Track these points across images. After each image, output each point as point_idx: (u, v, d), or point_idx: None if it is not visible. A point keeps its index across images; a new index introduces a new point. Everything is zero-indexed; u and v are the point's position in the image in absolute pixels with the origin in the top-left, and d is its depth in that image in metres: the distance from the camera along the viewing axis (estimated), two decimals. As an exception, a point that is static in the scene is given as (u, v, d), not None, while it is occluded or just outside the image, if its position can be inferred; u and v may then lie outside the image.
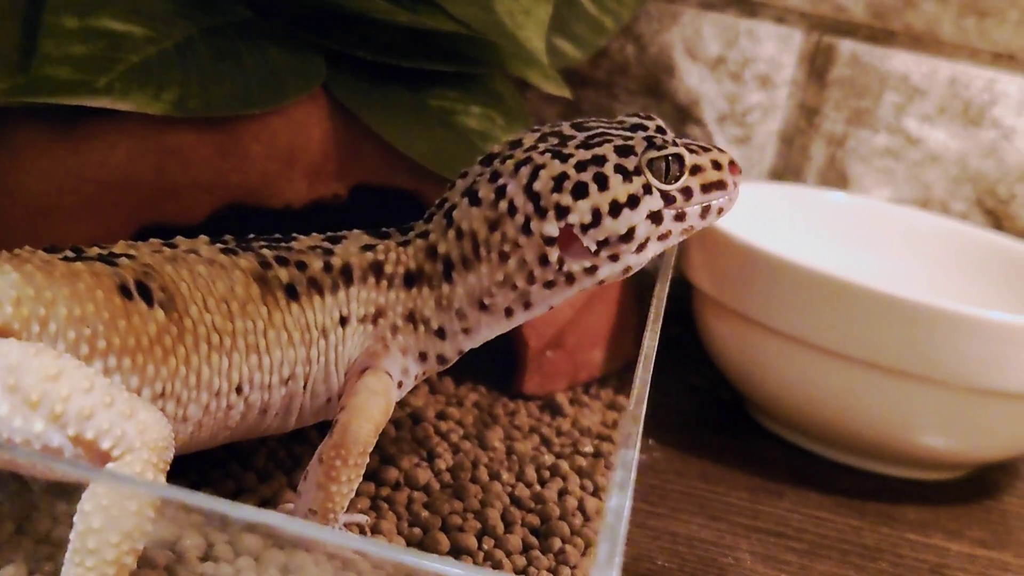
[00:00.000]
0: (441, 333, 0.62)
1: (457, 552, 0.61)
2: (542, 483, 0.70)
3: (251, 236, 0.63)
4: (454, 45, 0.84)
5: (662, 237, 0.60)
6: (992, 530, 0.81)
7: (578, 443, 0.76)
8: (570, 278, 0.60)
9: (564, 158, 0.59)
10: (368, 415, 0.58)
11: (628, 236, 0.59)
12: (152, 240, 0.60)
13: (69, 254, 0.55)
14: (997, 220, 1.05)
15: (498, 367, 0.83)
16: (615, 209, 0.58)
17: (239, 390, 0.57)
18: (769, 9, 1.04)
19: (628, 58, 1.07)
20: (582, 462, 0.73)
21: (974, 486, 0.87)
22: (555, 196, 0.58)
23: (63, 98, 0.66)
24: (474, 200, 0.61)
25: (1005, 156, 1.03)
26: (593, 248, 0.59)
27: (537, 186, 0.59)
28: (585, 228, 0.58)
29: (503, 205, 0.59)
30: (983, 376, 0.79)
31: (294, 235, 0.64)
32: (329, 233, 0.64)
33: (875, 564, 0.73)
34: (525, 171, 0.59)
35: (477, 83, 0.84)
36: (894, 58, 1.03)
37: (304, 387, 0.60)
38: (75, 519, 0.45)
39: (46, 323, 0.50)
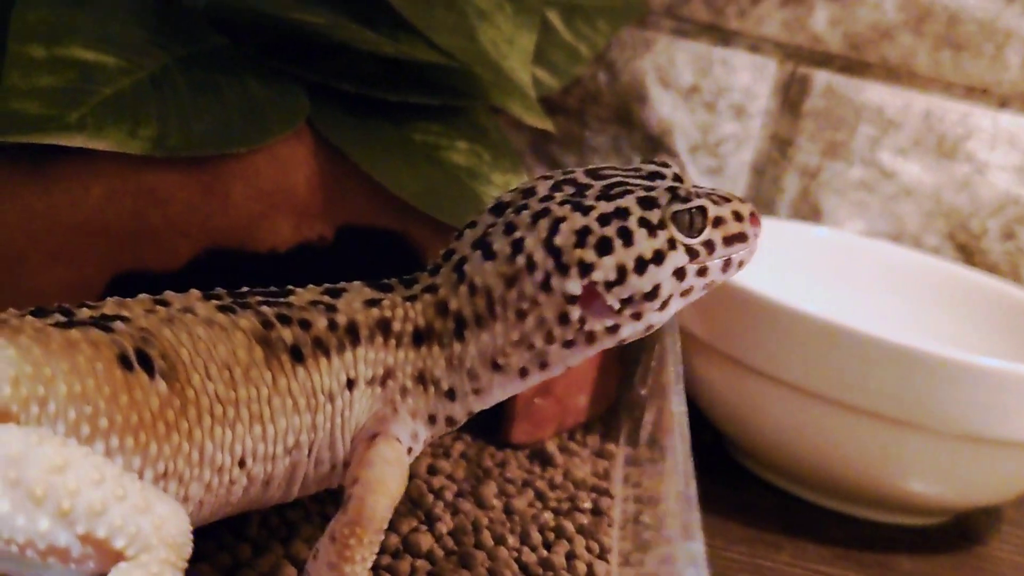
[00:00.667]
0: (451, 394, 0.58)
1: (472, 629, 0.57)
2: (547, 546, 0.66)
3: (245, 289, 0.58)
4: (435, 76, 0.80)
5: (684, 293, 0.57)
6: (991, 582, 0.79)
7: (575, 498, 0.72)
8: (591, 337, 0.56)
9: (585, 210, 0.55)
10: (385, 489, 0.53)
11: (653, 294, 0.55)
12: (141, 297, 0.55)
13: (60, 319, 0.50)
14: (969, 255, 1.04)
15: (480, 414, 0.79)
16: (641, 266, 0.55)
17: (242, 464, 0.52)
18: (743, 38, 1.02)
19: (600, 86, 1.03)
20: (583, 520, 0.69)
21: (961, 531, 0.86)
22: (578, 252, 0.54)
23: (33, 136, 0.61)
24: (488, 254, 0.56)
25: (978, 190, 1.03)
26: (617, 307, 0.55)
27: (558, 240, 0.55)
28: (610, 286, 0.54)
29: (521, 260, 0.55)
30: (975, 423, 0.77)
31: (290, 287, 0.59)
32: (327, 285, 0.59)
33: (883, 621, 0.71)
34: (544, 224, 0.55)
35: (461, 117, 0.80)
36: (869, 90, 1.02)
37: (308, 455, 0.55)
38: None
39: (45, 403, 0.45)
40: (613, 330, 0.56)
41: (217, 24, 0.75)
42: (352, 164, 0.71)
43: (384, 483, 0.53)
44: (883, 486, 0.81)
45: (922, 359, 0.75)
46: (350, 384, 0.56)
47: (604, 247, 0.54)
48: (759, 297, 0.80)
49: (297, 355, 0.54)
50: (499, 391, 0.59)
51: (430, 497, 0.68)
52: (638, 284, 0.55)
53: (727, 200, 0.58)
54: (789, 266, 0.99)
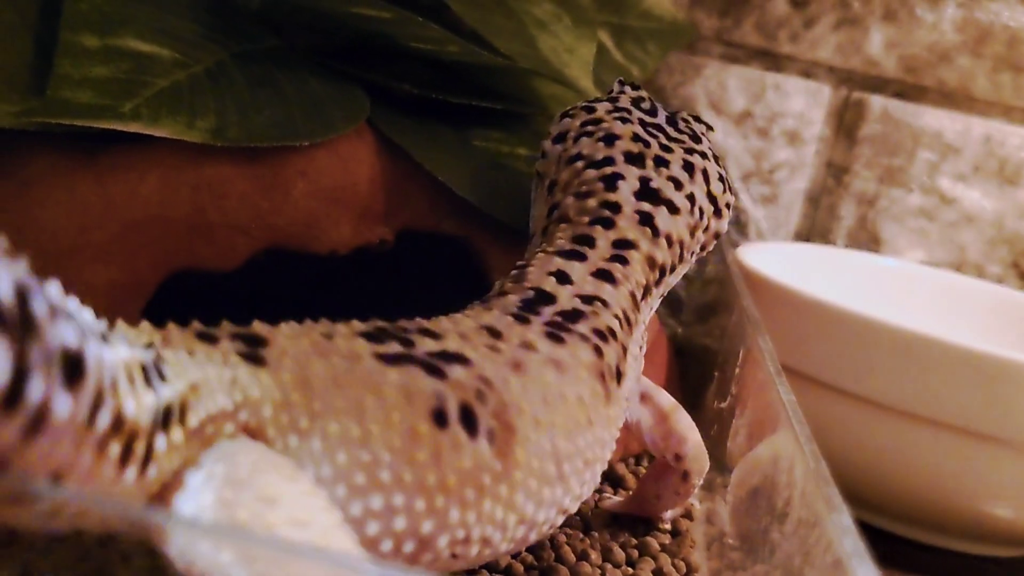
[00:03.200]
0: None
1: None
2: (631, 564, 0.61)
3: (517, 301, 0.52)
4: (494, 83, 0.77)
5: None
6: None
7: (652, 519, 0.67)
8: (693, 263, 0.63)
9: (711, 158, 0.63)
10: (700, 448, 0.61)
11: (717, 236, 0.63)
12: (470, 322, 0.49)
13: (396, 349, 0.44)
14: (1034, 283, 1.01)
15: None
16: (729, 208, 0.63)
17: (565, 511, 0.49)
18: (795, 63, 0.99)
19: (650, 111, 1.01)
20: (664, 539, 0.65)
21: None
22: (725, 197, 0.62)
23: (87, 121, 0.57)
24: (672, 209, 0.59)
25: (1042, 217, 0.99)
26: (710, 245, 0.63)
27: (714, 189, 0.61)
28: (717, 234, 0.63)
29: (696, 211, 0.60)
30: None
31: (543, 288, 0.53)
32: (557, 267, 0.55)
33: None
34: (698, 177, 0.61)
35: (521, 124, 0.77)
36: (927, 115, 0.99)
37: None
38: None
39: (307, 437, 0.40)
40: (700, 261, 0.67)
41: (270, 25, 0.72)
42: (412, 167, 0.68)
43: (696, 444, 0.60)
44: (969, 510, 0.76)
45: (1010, 368, 0.71)
46: (619, 375, 0.54)
47: (730, 188, 0.63)
48: (829, 307, 0.76)
49: (618, 375, 0.53)
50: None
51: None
52: (723, 225, 0.63)
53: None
54: (849, 295, 0.95)
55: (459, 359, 0.45)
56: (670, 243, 0.58)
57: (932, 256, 1.01)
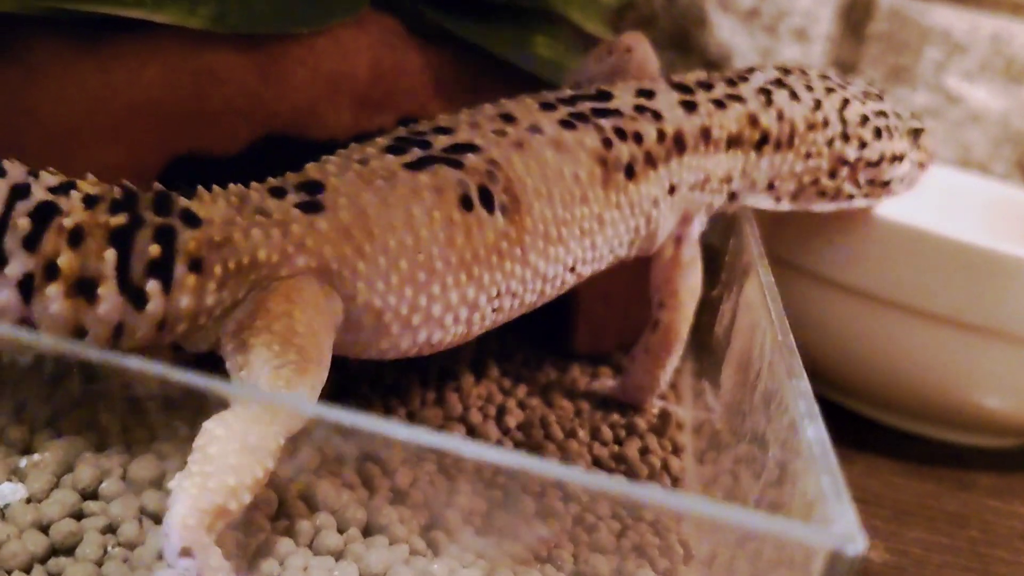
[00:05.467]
0: (733, 196, 0.65)
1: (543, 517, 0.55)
2: (618, 442, 0.64)
3: (569, 94, 0.61)
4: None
5: (888, 193, 0.70)
6: (1071, 497, 0.76)
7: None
8: (836, 195, 0.68)
9: (863, 100, 0.67)
10: (686, 314, 0.65)
11: (885, 184, 0.69)
12: (488, 111, 0.59)
13: (417, 153, 0.54)
14: (1038, 183, 1.01)
15: (540, 325, 0.77)
16: (892, 159, 0.68)
17: (572, 269, 0.57)
18: (804, -41, 0.99)
19: (656, 9, 1.01)
20: (653, 420, 0.67)
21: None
22: (860, 130, 0.66)
23: (91, 6, 0.58)
24: (793, 96, 0.65)
25: (1048, 116, 1.00)
26: (862, 183, 0.68)
27: (848, 115, 0.66)
28: (868, 165, 0.67)
29: (819, 115, 0.65)
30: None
31: (606, 89, 0.62)
32: (636, 84, 0.64)
33: (965, 531, 0.68)
34: (836, 97, 0.66)
35: (535, 17, 0.77)
36: (935, 12, 0.99)
37: (630, 251, 0.62)
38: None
39: (374, 258, 0.50)
40: (849, 198, 0.68)
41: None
42: (415, 60, 0.69)
43: (686, 308, 0.65)
44: (958, 401, 0.78)
45: (1000, 260, 0.72)
46: (672, 190, 0.61)
47: (877, 134, 0.66)
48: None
49: (630, 172, 0.59)
50: (752, 202, 0.67)
51: (500, 396, 0.66)
52: (883, 172, 0.68)
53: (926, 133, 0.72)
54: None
55: (470, 147, 0.55)
56: (780, 117, 0.64)
57: (938, 154, 1.01)
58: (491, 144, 0.55)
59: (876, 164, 0.67)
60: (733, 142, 0.63)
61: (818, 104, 0.65)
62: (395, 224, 0.51)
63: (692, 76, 0.65)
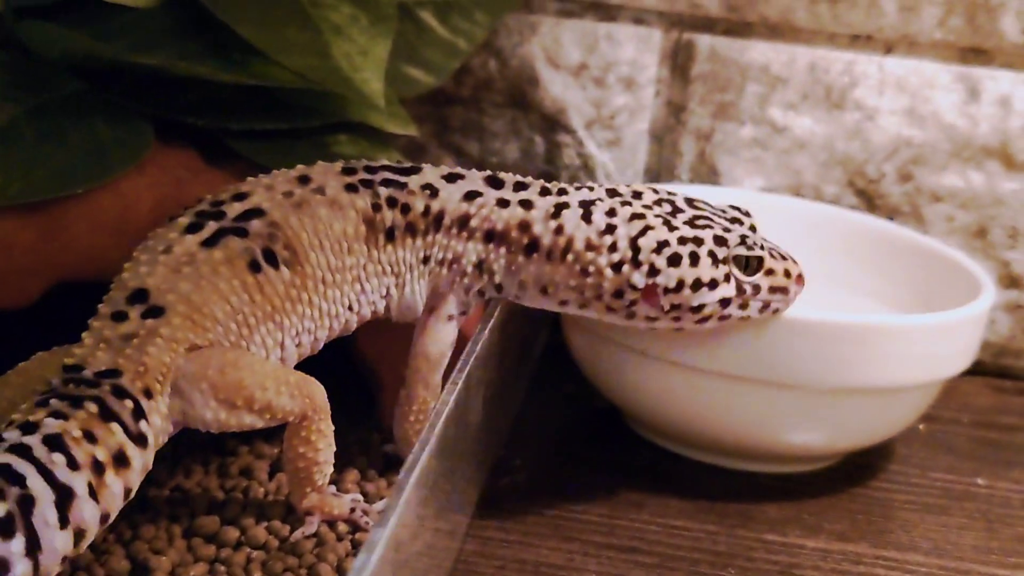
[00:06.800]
0: (499, 288, 0.73)
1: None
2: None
3: (383, 163, 0.73)
4: (292, 98, 0.85)
5: (722, 318, 0.72)
6: (852, 520, 0.82)
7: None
8: (631, 315, 0.72)
9: (671, 228, 0.71)
10: (422, 378, 0.74)
11: (698, 309, 0.71)
12: (285, 173, 0.71)
13: (213, 227, 0.67)
14: (869, 200, 1.06)
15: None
16: (696, 285, 0.70)
17: (351, 308, 0.71)
18: (627, 11, 1.05)
19: (491, 73, 1.08)
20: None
21: (843, 473, 0.89)
22: (653, 256, 0.70)
23: None
24: (587, 218, 0.71)
25: (870, 136, 1.04)
26: (666, 308, 0.71)
27: (643, 241, 0.70)
28: (667, 291, 0.70)
29: (608, 240, 0.70)
30: (838, 376, 0.79)
31: (421, 166, 0.74)
32: (451, 170, 0.74)
33: (723, 572, 0.75)
34: (637, 225, 0.71)
35: (307, 140, 0.84)
36: (753, 49, 1.04)
37: (398, 304, 0.73)
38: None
39: (206, 331, 0.64)
40: (651, 319, 0.72)
41: (75, 71, 0.81)
42: (207, 188, 0.77)
43: (419, 369, 0.73)
44: (764, 441, 0.84)
45: (778, 324, 0.77)
46: (425, 260, 0.72)
47: (674, 261, 0.70)
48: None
49: (391, 235, 0.71)
50: (536, 304, 0.74)
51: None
52: (688, 298, 0.71)
53: (784, 258, 0.73)
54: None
55: (256, 212, 0.67)
56: (559, 232, 0.71)
57: (771, 182, 1.07)
58: (275, 207, 0.68)
59: (676, 290, 0.70)
60: (495, 237, 0.72)
61: (610, 228, 0.70)
62: (213, 298, 0.64)
63: (522, 177, 0.74)
